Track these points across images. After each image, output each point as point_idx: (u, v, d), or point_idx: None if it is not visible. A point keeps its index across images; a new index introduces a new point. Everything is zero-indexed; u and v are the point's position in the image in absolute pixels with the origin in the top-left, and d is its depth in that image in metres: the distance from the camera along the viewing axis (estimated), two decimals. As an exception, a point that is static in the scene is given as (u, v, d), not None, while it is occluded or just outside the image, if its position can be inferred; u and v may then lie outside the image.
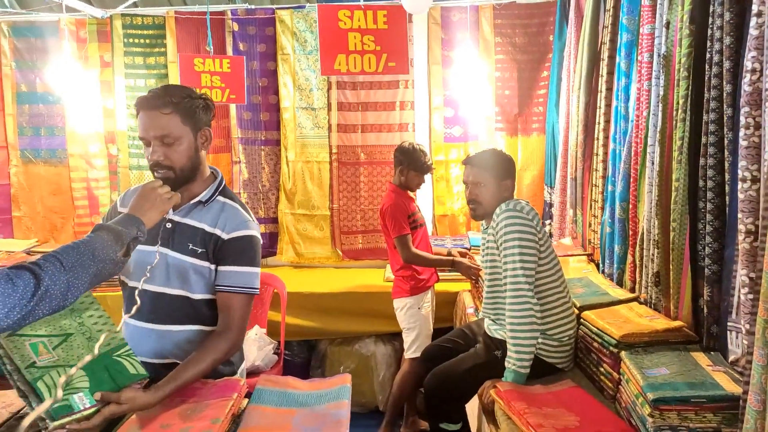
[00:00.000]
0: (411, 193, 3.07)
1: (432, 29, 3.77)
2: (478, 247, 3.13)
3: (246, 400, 1.64)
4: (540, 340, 1.92)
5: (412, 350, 2.93)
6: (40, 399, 1.18)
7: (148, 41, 3.90)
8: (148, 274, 1.59)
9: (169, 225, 1.66)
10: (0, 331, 1.03)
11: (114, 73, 3.88)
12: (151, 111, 1.55)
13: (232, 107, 3.79)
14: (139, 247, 1.66)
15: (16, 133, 3.92)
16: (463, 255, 3.13)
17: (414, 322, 2.95)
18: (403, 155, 2.97)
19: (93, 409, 1.23)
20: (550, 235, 3.39)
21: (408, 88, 3.81)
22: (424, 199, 3.75)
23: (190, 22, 3.83)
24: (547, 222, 3.54)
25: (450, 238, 3.74)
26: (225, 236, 1.62)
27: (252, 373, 2.82)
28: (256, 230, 1.69)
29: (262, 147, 3.89)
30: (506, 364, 1.87)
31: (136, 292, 1.63)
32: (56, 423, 1.17)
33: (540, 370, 1.92)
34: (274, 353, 3.02)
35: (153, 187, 1.46)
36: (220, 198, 1.69)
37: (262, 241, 1.75)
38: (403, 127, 3.84)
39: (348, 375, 1.67)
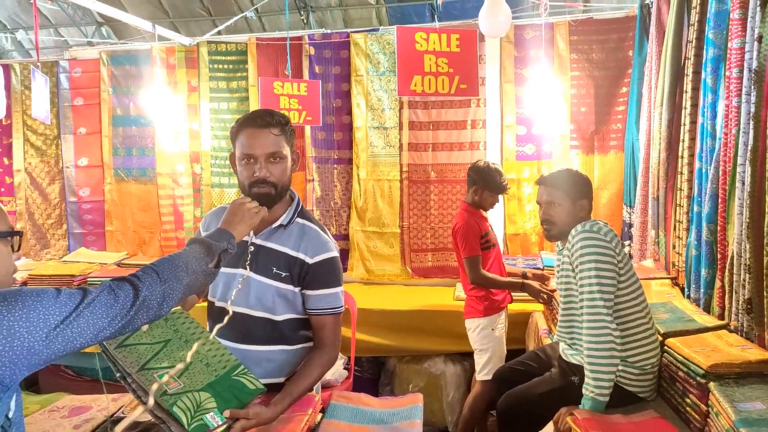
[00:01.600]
0: (484, 213, 3.04)
1: (504, 47, 3.76)
2: (552, 267, 3.07)
3: (320, 414, 1.68)
4: (620, 368, 1.85)
5: (484, 372, 2.88)
6: (178, 422, 1.28)
7: (231, 66, 4.12)
8: (233, 297, 1.66)
9: (252, 248, 1.71)
10: (103, 339, 1.11)
11: (200, 97, 4.12)
12: (262, 129, 1.62)
13: (307, 127, 3.93)
14: (224, 269, 1.74)
15: (111, 154, 4.22)
16: (538, 276, 3.06)
17: (487, 343, 2.90)
18: (478, 175, 2.95)
19: (225, 426, 1.33)
20: (630, 257, 3.26)
21: (480, 107, 3.81)
22: (495, 218, 3.71)
23: (270, 48, 4.01)
24: (627, 243, 3.41)
25: (522, 257, 3.67)
26: (309, 261, 1.67)
27: (323, 387, 2.88)
28: (336, 250, 1.74)
29: (335, 166, 3.99)
30: (584, 390, 1.81)
31: (227, 316, 1.71)
32: None
33: (620, 399, 1.84)
34: (345, 368, 3.07)
35: (242, 203, 1.53)
36: (299, 220, 1.74)
37: None
38: (474, 146, 3.83)
39: (420, 395, 1.68)
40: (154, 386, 1.35)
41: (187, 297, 1.28)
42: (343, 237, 3.99)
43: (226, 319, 1.59)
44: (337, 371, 3.00)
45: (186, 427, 1.28)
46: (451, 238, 3.05)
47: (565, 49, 3.69)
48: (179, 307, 1.59)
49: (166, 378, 1.37)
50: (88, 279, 3.59)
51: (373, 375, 3.55)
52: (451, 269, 3.85)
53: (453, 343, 3.26)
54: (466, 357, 3.32)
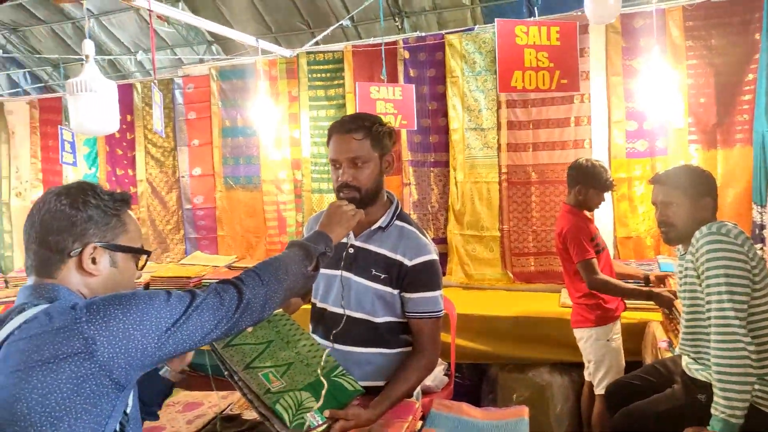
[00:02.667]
0: (588, 214, 2.86)
1: (611, 39, 3.53)
2: (671, 272, 2.82)
3: (420, 422, 1.64)
4: (757, 387, 1.64)
5: (602, 385, 2.68)
6: (280, 419, 1.32)
7: (328, 75, 4.21)
8: (338, 298, 1.70)
9: (351, 250, 1.73)
10: (210, 341, 1.14)
11: (300, 106, 4.26)
12: (345, 135, 1.65)
13: (403, 131, 3.92)
14: (324, 270, 1.77)
15: (221, 163, 4.48)
16: (661, 279, 2.82)
17: (603, 355, 2.71)
18: (581, 173, 2.79)
19: (324, 426, 1.36)
20: (764, 261, 2.92)
21: (584, 103, 3.60)
22: (604, 221, 3.48)
23: (365, 55, 4.06)
24: (758, 246, 3.06)
25: (635, 262, 3.41)
26: (408, 263, 1.66)
27: (423, 393, 2.84)
28: (435, 253, 1.72)
29: (432, 169, 3.95)
30: (713, 411, 1.63)
31: (325, 313, 1.75)
32: None
33: (757, 421, 1.64)
34: (445, 375, 3.01)
35: (339, 205, 1.55)
36: (398, 222, 1.73)
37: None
38: (578, 144, 3.63)
39: (525, 408, 1.59)
40: (258, 384, 1.39)
41: (287, 299, 1.30)
42: (441, 241, 3.93)
43: (342, 323, 1.68)
44: (437, 377, 2.95)
45: (288, 424, 1.31)
46: (555, 242, 2.90)
47: (680, 36, 3.39)
48: (281, 310, 1.64)
49: (270, 377, 1.41)
50: (203, 281, 3.81)
51: (475, 382, 3.46)
52: (556, 274, 3.67)
53: (559, 352, 3.09)
54: (574, 368, 3.14)
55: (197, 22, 3.52)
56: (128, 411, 1.09)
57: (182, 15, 3.62)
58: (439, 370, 3.00)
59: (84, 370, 0.97)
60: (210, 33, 6.43)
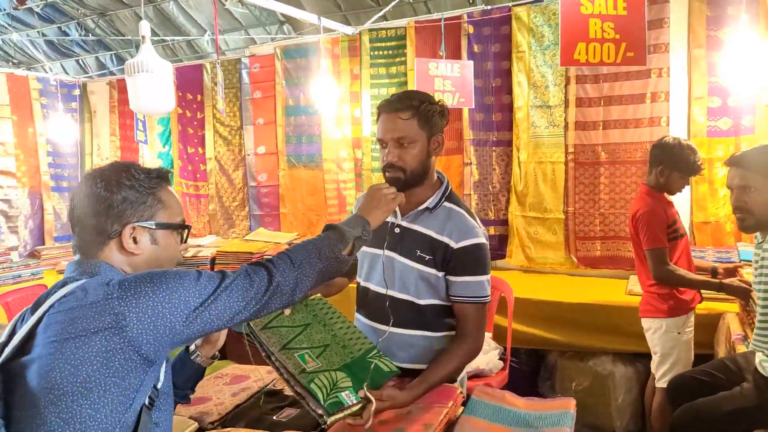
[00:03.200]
0: (668, 197, 2.66)
1: (694, 7, 3.24)
2: (750, 261, 2.59)
3: (462, 408, 1.60)
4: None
5: (665, 378, 2.53)
6: (315, 398, 1.34)
7: (390, 52, 4.15)
8: (381, 278, 1.69)
9: (397, 230, 1.71)
10: (239, 321, 1.14)
11: (361, 85, 4.23)
12: (391, 114, 1.62)
13: (465, 109, 3.81)
14: (368, 249, 1.76)
15: (284, 142, 4.55)
16: (731, 272, 2.61)
17: (671, 348, 2.54)
18: (666, 153, 2.58)
19: (359, 405, 1.36)
20: None
21: (662, 77, 3.34)
22: (681, 204, 3.24)
23: (428, 30, 3.96)
24: None
25: (713, 249, 3.17)
26: (454, 245, 1.63)
27: (475, 376, 2.79)
28: (483, 237, 1.66)
29: (494, 148, 3.82)
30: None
31: (368, 293, 1.74)
32: (333, 418, 1.31)
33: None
34: (500, 359, 2.94)
35: (378, 188, 1.51)
36: (447, 204, 1.70)
37: (490, 244, 1.73)
38: (654, 122, 3.39)
39: (572, 400, 1.51)
40: (294, 364, 1.41)
41: (320, 283, 1.28)
42: (502, 222, 3.82)
43: (385, 304, 1.67)
44: (491, 361, 2.88)
45: (322, 403, 1.32)
46: (627, 226, 2.74)
47: (775, 1, 3.06)
48: (319, 294, 1.66)
49: (306, 357, 1.43)
50: (264, 256, 3.91)
51: (532, 368, 3.36)
52: (624, 260, 3.48)
53: (623, 342, 2.94)
54: (639, 358, 2.98)
55: (262, 2, 3.55)
56: (159, 386, 1.12)
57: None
58: (494, 354, 2.93)
59: (113, 344, 1.00)
60: (282, 13, 6.50)
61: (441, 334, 1.70)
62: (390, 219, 1.73)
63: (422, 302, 1.68)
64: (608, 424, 3.04)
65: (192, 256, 4.09)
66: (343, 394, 1.36)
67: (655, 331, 2.60)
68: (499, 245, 3.80)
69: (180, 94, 4.91)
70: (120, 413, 1.02)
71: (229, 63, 4.73)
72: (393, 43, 4.15)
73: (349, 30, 4.27)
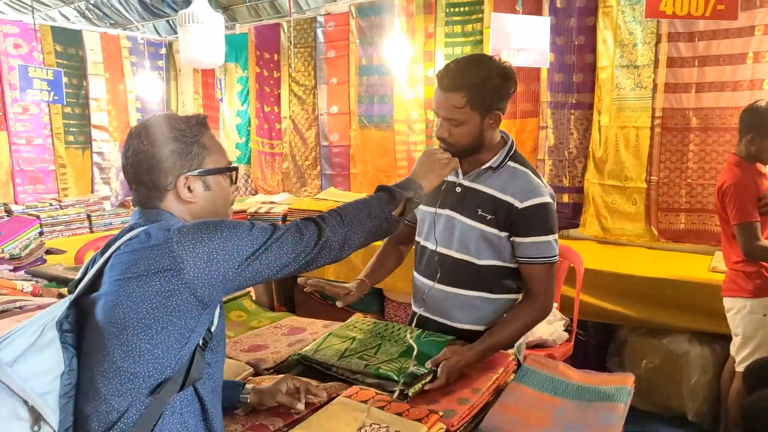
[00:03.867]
0: (762, 168, 2.43)
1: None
2: None
3: (513, 375, 1.57)
4: None
5: (745, 364, 2.35)
6: (389, 379, 1.42)
7: (466, 9, 3.99)
8: (436, 236, 1.70)
9: (458, 189, 1.69)
10: (288, 273, 1.18)
11: (435, 43, 4.11)
12: (444, 92, 1.57)
13: (543, 69, 3.62)
14: (427, 208, 1.75)
15: (357, 102, 4.53)
16: None
17: (755, 330, 2.35)
18: (756, 118, 2.35)
19: (431, 375, 1.43)
20: None
21: (767, 35, 3.00)
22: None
23: (509, -16, 3.75)
24: None
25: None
26: (518, 205, 1.59)
27: (538, 346, 2.72)
28: (549, 196, 1.61)
29: (572, 111, 3.61)
30: None
31: (426, 252, 1.73)
32: (413, 389, 1.38)
33: None
34: (565, 330, 2.85)
35: (433, 152, 1.50)
36: (510, 163, 1.65)
37: (563, 212, 1.68)
38: (755, 85, 3.06)
39: (631, 376, 1.43)
40: (356, 365, 1.51)
41: (369, 242, 1.29)
42: (577, 190, 3.63)
43: (444, 263, 1.69)
44: (555, 332, 2.80)
45: (397, 379, 1.39)
46: (714, 198, 2.53)
47: None
48: (358, 315, 1.87)
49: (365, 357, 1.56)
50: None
51: (600, 342, 3.23)
52: (710, 234, 3.23)
53: (702, 321, 2.75)
54: (717, 339, 2.79)
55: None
56: (212, 329, 1.17)
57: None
58: (559, 325, 2.84)
59: (171, 285, 1.05)
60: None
61: (501, 296, 1.68)
62: (451, 178, 1.71)
63: (481, 262, 1.65)
64: (679, 405, 2.89)
65: (265, 213, 4.23)
66: (412, 368, 1.42)
67: (737, 311, 2.41)
68: (573, 214, 3.63)
69: (258, 53, 5.00)
70: (175, 350, 1.08)
71: (305, 22, 4.73)
72: (470, -1, 3.98)
73: (426, -15, 4.13)
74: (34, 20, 4.51)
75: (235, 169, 1.28)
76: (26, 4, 8.81)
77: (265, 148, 5.09)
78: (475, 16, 3.96)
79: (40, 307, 2.12)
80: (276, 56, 4.94)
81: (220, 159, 1.23)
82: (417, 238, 1.83)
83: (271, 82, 5.00)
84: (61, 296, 2.32)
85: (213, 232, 1.08)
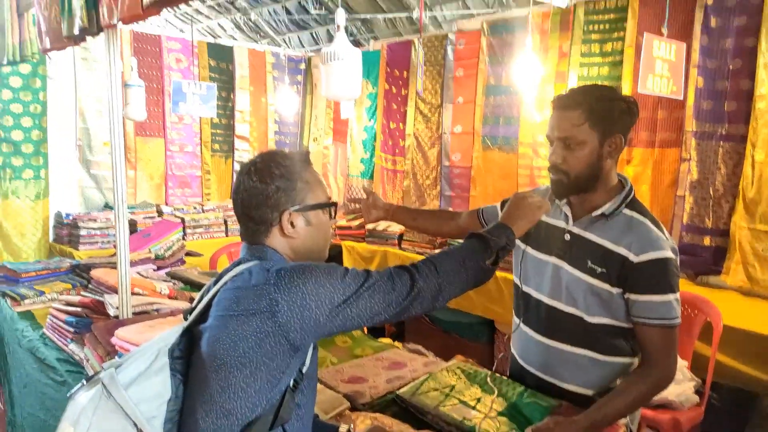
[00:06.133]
0: None
1: None
2: None
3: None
4: None
5: None
6: None
7: (606, 26, 3.74)
8: (544, 287, 1.62)
9: (567, 237, 1.58)
10: (378, 322, 1.18)
11: (569, 63, 3.90)
12: (561, 111, 1.51)
13: (691, 95, 3.28)
14: (533, 252, 1.66)
15: (481, 122, 4.45)
16: None
17: None
18: None
19: None
20: None
21: None
22: None
23: (656, 1, 3.45)
24: None
25: None
26: (634, 258, 1.45)
27: (662, 407, 2.48)
28: (671, 250, 1.46)
29: (721, 143, 3.22)
30: None
31: (530, 300, 1.66)
32: None
33: None
34: (696, 392, 2.56)
35: (523, 197, 1.44)
36: (627, 211, 1.52)
37: (702, 256, 1.53)
38: None
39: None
40: (453, 417, 1.47)
41: (464, 291, 1.28)
42: (721, 233, 3.23)
43: (549, 315, 1.61)
44: (684, 393, 2.53)
45: None
46: None
47: None
48: (460, 358, 1.83)
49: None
50: (448, 239, 3.92)
51: (737, 410, 2.85)
52: None
53: None
54: None
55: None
56: (304, 370, 1.20)
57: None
58: (689, 386, 2.56)
59: (267, 327, 1.09)
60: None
61: (612, 359, 1.55)
62: (559, 223, 1.62)
63: (592, 319, 1.53)
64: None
65: (382, 230, 4.30)
66: None
67: None
68: (714, 259, 3.24)
69: (388, 70, 5.10)
70: (267, 391, 1.12)
71: (436, 39, 4.74)
72: (612, 16, 3.73)
73: (563, 2, 3.95)
74: (192, 38, 5.00)
75: (334, 204, 1.30)
76: (188, 15, 9.86)
77: (388, 164, 5.18)
78: (616, 34, 3.70)
79: (173, 313, 2.33)
80: (405, 73, 5.02)
81: (320, 194, 1.27)
82: (516, 280, 1.75)
83: (399, 99, 5.08)
84: (191, 300, 2.54)
85: (308, 277, 1.11)
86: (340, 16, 2.33)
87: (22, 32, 2.61)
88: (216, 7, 9.25)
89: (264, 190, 1.20)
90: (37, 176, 4.17)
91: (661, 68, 2.82)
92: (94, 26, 2.01)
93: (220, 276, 1.23)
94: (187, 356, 1.19)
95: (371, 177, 5.33)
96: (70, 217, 4.17)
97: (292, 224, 1.22)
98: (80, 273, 3.16)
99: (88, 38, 2.15)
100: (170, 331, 1.23)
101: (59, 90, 4.27)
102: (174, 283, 2.95)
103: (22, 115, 4.07)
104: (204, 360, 1.13)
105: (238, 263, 1.23)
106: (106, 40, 2.07)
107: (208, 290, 1.26)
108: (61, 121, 4.33)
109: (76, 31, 2.07)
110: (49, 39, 2.25)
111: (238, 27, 9.72)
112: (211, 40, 6.16)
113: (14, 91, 4.03)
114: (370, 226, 4.41)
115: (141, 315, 2.36)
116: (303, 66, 5.95)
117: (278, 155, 1.25)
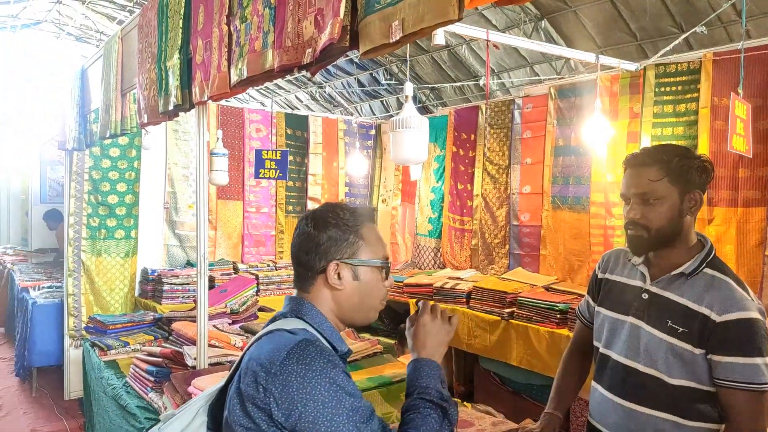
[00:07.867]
0: None
1: None
2: None
3: None
4: None
5: None
6: None
7: (680, 88, 3.70)
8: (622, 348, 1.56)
9: (645, 296, 1.54)
10: None
11: (641, 124, 3.86)
12: (637, 168, 1.51)
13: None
14: (610, 313, 1.62)
15: (550, 182, 4.43)
16: None
17: None
18: None
19: None
20: None
21: None
22: None
23: (730, 63, 3.40)
24: None
25: None
26: (717, 318, 1.40)
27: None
28: (757, 311, 1.40)
29: (813, 203, 3.05)
30: None
31: (608, 362, 1.60)
32: None
33: None
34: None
35: (423, 321, 1.31)
36: (708, 270, 1.47)
37: None
38: None
39: None
40: None
41: None
42: (819, 298, 3.00)
43: (629, 377, 1.54)
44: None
45: None
46: None
47: None
48: (529, 422, 1.73)
49: None
50: (518, 298, 3.85)
51: None
52: None
53: None
54: None
55: (528, 45, 3.57)
56: None
57: (514, 41, 3.73)
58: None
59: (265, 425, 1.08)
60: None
61: (696, 425, 1.46)
62: (637, 283, 1.58)
63: (674, 381, 1.46)
64: None
65: (450, 288, 4.28)
66: None
67: None
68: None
69: (456, 134, 5.22)
70: None
71: (502, 104, 4.84)
72: (684, 78, 3.69)
73: (632, 66, 3.95)
74: (272, 110, 5.36)
75: (387, 265, 1.26)
76: (269, 90, 10.60)
77: (456, 224, 5.21)
78: (689, 96, 3.65)
79: (244, 365, 2.41)
80: (473, 136, 5.11)
81: (376, 253, 1.24)
82: (596, 343, 1.69)
83: (466, 161, 5.16)
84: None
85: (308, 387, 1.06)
86: (409, 88, 2.46)
87: (124, 109, 2.92)
88: (294, 81, 9.94)
89: (316, 237, 1.21)
90: (128, 236, 4.50)
91: (738, 128, 2.74)
92: (186, 103, 2.22)
93: (257, 333, 1.23)
94: (221, 415, 1.20)
95: (439, 236, 5.37)
96: (155, 273, 4.44)
97: (339, 276, 1.20)
98: (162, 326, 3.35)
99: (180, 113, 2.37)
100: (212, 388, 1.26)
101: (151, 158, 4.66)
102: (247, 337, 3.05)
103: (118, 181, 4.46)
104: (225, 421, 1.15)
105: (275, 318, 1.23)
106: (196, 114, 2.28)
107: (250, 346, 1.25)
108: (151, 185, 4.71)
109: (170, 108, 2.28)
110: (147, 115, 2.49)
111: (313, 98, 10.36)
112: (289, 111, 6.57)
113: (113, 161, 4.45)
114: (438, 284, 4.40)
115: (216, 366, 2.45)
116: (373, 132, 6.19)
117: (339, 207, 1.25)
